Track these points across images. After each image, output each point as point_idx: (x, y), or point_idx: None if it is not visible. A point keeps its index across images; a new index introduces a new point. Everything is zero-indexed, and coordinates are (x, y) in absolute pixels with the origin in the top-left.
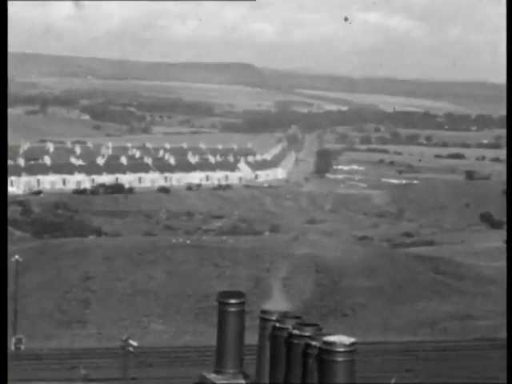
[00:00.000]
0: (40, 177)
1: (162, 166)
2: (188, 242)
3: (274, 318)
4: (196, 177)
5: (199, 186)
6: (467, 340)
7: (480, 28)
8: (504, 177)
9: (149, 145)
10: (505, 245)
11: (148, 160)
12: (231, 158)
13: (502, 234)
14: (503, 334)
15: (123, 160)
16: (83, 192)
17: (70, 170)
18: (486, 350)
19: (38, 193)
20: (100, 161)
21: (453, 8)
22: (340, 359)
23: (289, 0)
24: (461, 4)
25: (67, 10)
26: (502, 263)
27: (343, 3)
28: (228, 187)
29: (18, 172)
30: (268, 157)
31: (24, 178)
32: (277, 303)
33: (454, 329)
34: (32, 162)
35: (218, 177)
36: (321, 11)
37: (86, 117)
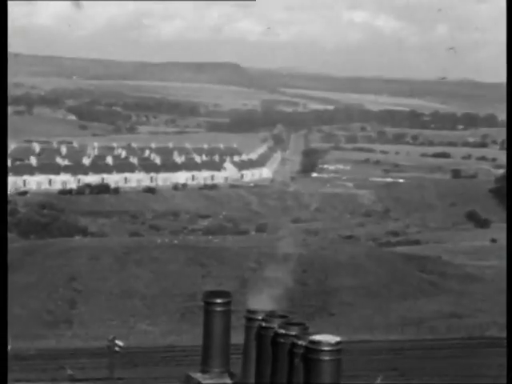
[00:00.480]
0: (26, 177)
1: (148, 166)
2: (175, 241)
3: (260, 318)
4: (182, 176)
5: (185, 185)
6: (453, 338)
7: (465, 27)
8: (490, 176)
9: (134, 145)
10: (491, 243)
11: (134, 160)
12: (217, 158)
13: (488, 232)
14: (490, 333)
15: (109, 160)
16: (69, 192)
17: (56, 170)
18: (472, 349)
19: (24, 193)
20: (86, 161)
21: (439, 7)
22: (326, 358)
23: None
24: (447, 3)
25: (52, 10)
26: (489, 262)
27: (329, 2)
28: (214, 187)
29: None
30: (254, 156)
31: (10, 179)
32: (263, 303)
33: (440, 327)
34: (18, 163)
35: (203, 176)
36: (307, 11)
37: (72, 117)
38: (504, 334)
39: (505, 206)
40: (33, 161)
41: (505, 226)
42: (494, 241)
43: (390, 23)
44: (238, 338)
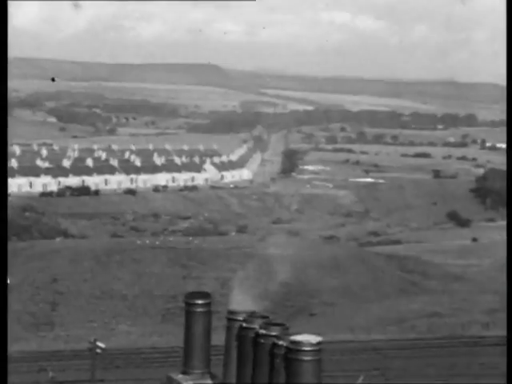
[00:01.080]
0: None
1: (128, 168)
2: (157, 242)
3: (240, 318)
4: (162, 178)
5: (165, 187)
6: (435, 338)
7: (446, 27)
8: (471, 176)
9: (115, 146)
10: (471, 243)
11: (114, 162)
12: (197, 159)
13: (469, 232)
14: (471, 332)
15: (89, 162)
16: (50, 194)
17: (37, 172)
18: (453, 348)
19: None
20: (66, 163)
21: (419, 7)
22: (307, 358)
23: (253, 1)
24: (427, 3)
25: (32, 12)
26: (469, 261)
27: (309, 3)
28: (194, 188)
29: None
30: (234, 157)
31: None
32: (244, 303)
33: (421, 327)
34: None
35: (184, 178)
36: (287, 11)
37: (52, 119)
38: (485, 333)
39: (485, 206)
40: (13, 163)
41: (485, 225)
42: (474, 240)
43: (371, 24)
44: (219, 338)
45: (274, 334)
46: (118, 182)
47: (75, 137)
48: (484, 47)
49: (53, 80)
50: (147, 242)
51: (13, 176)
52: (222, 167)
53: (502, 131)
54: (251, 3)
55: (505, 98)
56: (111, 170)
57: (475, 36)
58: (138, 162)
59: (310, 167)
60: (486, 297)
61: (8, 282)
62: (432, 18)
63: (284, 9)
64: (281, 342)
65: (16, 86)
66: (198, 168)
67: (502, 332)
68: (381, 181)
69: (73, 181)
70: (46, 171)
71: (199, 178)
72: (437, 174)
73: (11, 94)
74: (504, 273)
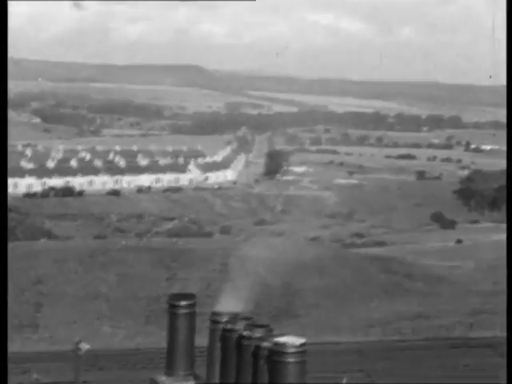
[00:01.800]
0: None
1: (113, 169)
2: (141, 243)
3: (224, 320)
4: (146, 179)
5: (149, 188)
6: (419, 339)
7: (431, 29)
8: (456, 177)
9: (99, 147)
10: (456, 244)
11: (98, 163)
12: (181, 160)
13: (454, 233)
14: (456, 333)
15: (73, 163)
16: (34, 195)
17: (21, 173)
18: (438, 350)
19: None
20: (50, 164)
21: (404, 9)
22: (290, 360)
23: (239, 1)
24: (412, 5)
25: (16, 11)
26: (454, 262)
27: (294, 4)
28: (178, 189)
29: None
30: (218, 158)
31: None
32: (228, 305)
33: (405, 328)
34: None
35: (168, 179)
36: (271, 13)
37: (37, 120)
38: (470, 335)
39: (469, 208)
40: None
41: (470, 226)
42: (459, 241)
43: (355, 25)
44: (202, 340)
45: (257, 335)
46: (102, 182)
47: (60, 138)
48: (468, 49)
49: None
50: (131, 242)
51: None
52: (207, 168)
53: (487, 133)
54: (235, 4)
55: (489, 100)
56: (95, 171)
57: (460, 38)
58: (122, 163)
59: (295, 168)
60: (471, 298)
61: None
62: (417, 19)
63: (269, 10)
64: (264, 344)
65: None
66: (183, 169)
67: (487, 333)
68: (365, 182)
69: (57, 182)
70: (31, 172)
71: (183, 179)
72: (421, 175)
73: None
74: (489, 274)
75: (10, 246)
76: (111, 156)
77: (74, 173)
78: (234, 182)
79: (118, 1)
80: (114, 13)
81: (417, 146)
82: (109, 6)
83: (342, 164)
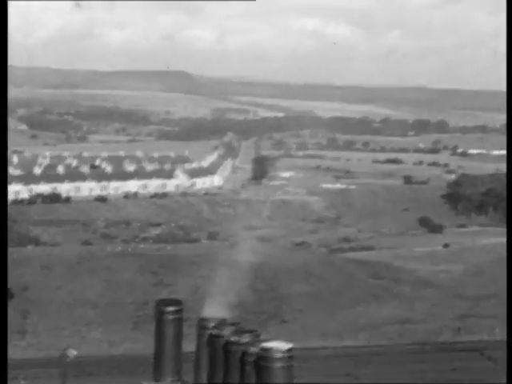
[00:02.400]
0: None
1: (99, 175)
2: (129, 249)
3: (211, 325)
4: (133, 185)
5: (136, 194)
6: (407, 344)
7: (417, 34)
8: (442, 181)
9: (86, 153)
10: (443, 248)
11: (85, 169)
12: (168, 166)
13: (441, 237)
14: (443, 338)
15: (60, 169)
16: (21, 202)
17: (9, 180)
18: (425, 354)
19: None
20: (37, 170)
21: (390, 14)
22: (277, 365)
23: (225, 7)
24: (398, 10)
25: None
26: (441, 267)
27: (280, 10)
28: (165, 195)
29: None
30: (205, 164)
31: None
32: (215, 310)
33: (393, 333)
34: None
35: (155, 185)
36: (257, 18)
37: (23, 126)
38: (457, 339)
39: (457, 212)
40: None
41: (457, 230)
42: (446, 246)
43: (342, 30)
44: (190, 346)
45: (244, 341)
46: (89, 189)
47: (46, 144)
48: (455, 54)
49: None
50: (118, 249)
51: None
52: (193, 174)
53: (474, 137)
54: (221, 10)
55: (476, 104)
56: (82, 177)
57: (446, 43)
58: (109, 169)
59: (281, 174)
60: (458, 302)
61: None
62: (404, 25)
63: (255, 15)
64: (252, 349)
65: None
66: (169, 175)
67: (474, 337)
68: (352, 187)
69: (44, 188)
70: (18, 179)
71: (170, 185)
72: (408, 179)
73: None
74: (476, 278)
75: None
76: (98, 162)
77: (60, 179)
78: (221, 188)
79: (106, 2)
80: (101, 19)
81: (404, 150)
82: (96, 13)
83: (328, 169)
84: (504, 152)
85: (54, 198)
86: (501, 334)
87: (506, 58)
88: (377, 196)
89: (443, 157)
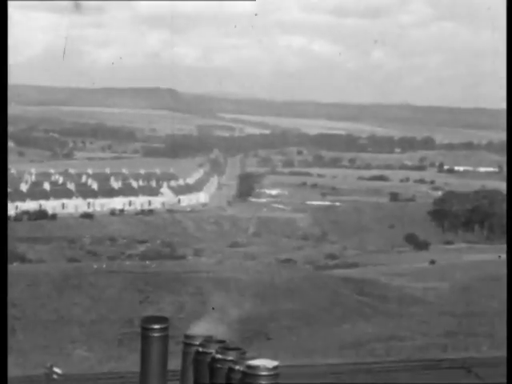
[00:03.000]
0: None
1: (85, 192)
2: (114, 266)
3: (197, 343)
4: (119, 202)
5: (122, 211)
6: (393, 361)
7: (402, 52)
8: (429, 198)
9: (71, 170)
10: (430, 265)
11: (71, 186)
12: (154, 183)
13: (427, 254)
14: (429, 355)
15: (46, 186)
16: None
17: None
18: (412, 371)
19: None
20: (23, 187)
21: (375, 32)
22: (263, 383)
23: (210, 25)
24: (384, 28)
25: None
26: (428, 283)
27: (266, 27)
28: (151, 212)
29: None
30: (190, 181)
31: None
32: (201, 327)
33: (379, 350)
34: None
35: (140, 202)
36: (243, 35)
37: (10, 143)
38: (445, 356)
39: (443, 228)
40: None
41: (443, 247)
42: (432, 262)
43: (327, 48)
44: (175, 363)
45: (230, 358)
46: (75, 205)
47: (33, 161)
48: (439, 72)
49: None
50: (104, 266)
51: None
52: (179, 191)
53: (460, 154)
54: (207, 27)
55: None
56: (68, 194)
57: (430, 61)
58: (94, 186)
59: (267, 191)
60: (445, 319)
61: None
62: (389, 42)
63: (240, 33)
64: (237, 367)
65: None
66: (155, 192)
67: (461, 354)
68: (338, 204)
69: (30, 205)
70: None
71: (156, 202)
72: (394, 196)
73: None
74: (463, 295)
75: None
76: (84, 179)
77: (46, 196)
78: (207, 205)
79: (91, 20)
80: (87, 36)
81: (390, 167)
82: (81, 30)
83: (314, 186)
84: (491, 169)
85: (40, 214)
86: (488, 352)
87: (506, 62)
88: (363, 213)
89: (429, 174)
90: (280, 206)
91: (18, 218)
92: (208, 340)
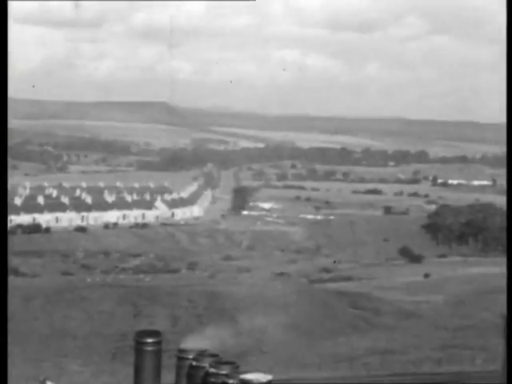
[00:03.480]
0: None
1: (79, 205)
2: (108, 280)
3: (190, 357)
4: (113, 215)
5: (116, 224)
6: (387, 374)
7: (397, 65)
8: (423, 212)
9: (65, 184)
10: (424, 278)
11: (65, 199)
12: (148, 197)
13: (421, 268)
14: (423, 368)
15: (40, 199)
16: None
17: None
18: None
19: None
20: (17, 201)
21: (370, 46)
22: None
23: (205, 39)
24: (378, 42)
25: None
26: (422, 297)
27: (260, 41)
28: (145, 225)
29: None
30: (184, 195)
31: None
32: (195, 341)
33: (373, 364)
34: None
35: (134, 215)
36: (237, 50)
37: None
38: (438, 370)
39: (437, 242)
40: None
41: (437, 260)
42: (426, 276)
43: (321, 62)
44: (169, 377)
45: (223, 372)
46: (68, 219)
47: (27, 174)
48: (434, 86)
49: None
50: (98, 279)
51: None
52: (173, 204)
53: (454, 167)
54: (202, 41)
55: (456, 135)
56: (62, 208)
57: (426, 74)
58: (88, 200)
59: (261, 204)
60: (439, 333)
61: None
62: (383, 56)
63: (235, 47)
64: (231, 381)
65: None
66: (149, 205)
67: (455, 368)
68: (332, 217)
69: (24, 218)
70: None
71: (150, 215)
72: (388, 210)
73: None
74: (457, 308)
75: None
76: (78, 192)
77: (40, 209)
78: (201, 218)
79: (86, 35)
80: (82, 50)
81: (384, 181)
82: (76, 43)
83: (308, 199)
84: (484, 182)
85: (34, 228)
86: (481, 365)
87: (506, 67)
88: (357, 226)
89: (423, 187)
90: (274, 220)
91: (12, 231)
92: (202, 354)
